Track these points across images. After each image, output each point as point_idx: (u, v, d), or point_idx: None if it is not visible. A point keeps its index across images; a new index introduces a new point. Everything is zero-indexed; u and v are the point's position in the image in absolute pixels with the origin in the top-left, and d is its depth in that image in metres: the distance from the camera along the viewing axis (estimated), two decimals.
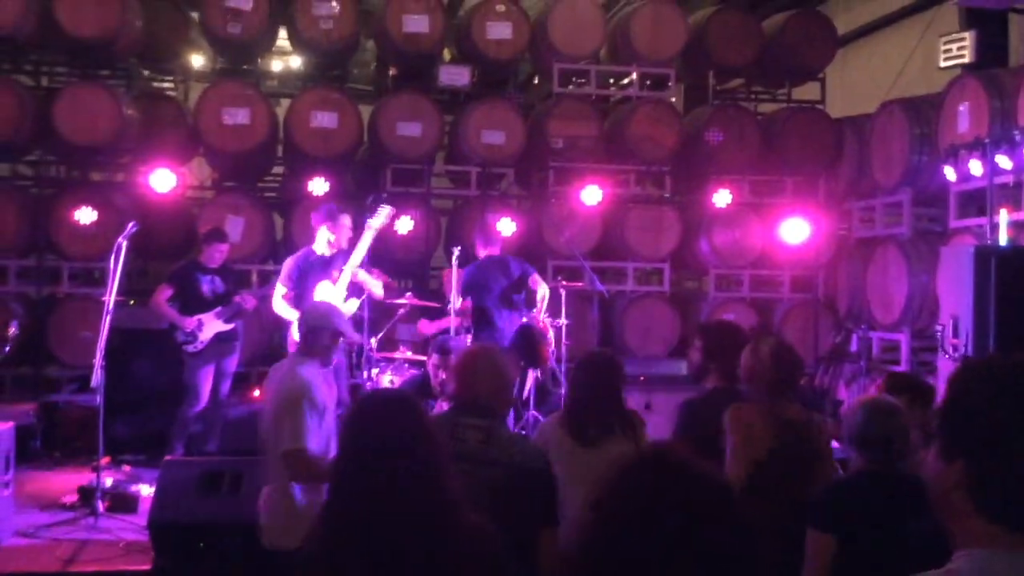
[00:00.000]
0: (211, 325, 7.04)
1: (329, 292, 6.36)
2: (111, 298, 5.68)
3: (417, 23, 8.90)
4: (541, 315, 7.35)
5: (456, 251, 6.98)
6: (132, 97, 8.79)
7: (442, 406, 4.71)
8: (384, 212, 6.33)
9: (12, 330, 4.06)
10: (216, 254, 7.23)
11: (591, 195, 8.80)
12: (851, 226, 9.97)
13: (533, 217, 9.17)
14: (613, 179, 9.30)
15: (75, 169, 8.86)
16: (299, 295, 6.39)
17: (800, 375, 3.98)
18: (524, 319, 7.21)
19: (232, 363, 7.37)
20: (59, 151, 8.64)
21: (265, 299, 7.72)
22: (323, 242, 6.51)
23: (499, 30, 9.04)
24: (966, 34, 9.74)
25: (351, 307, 6.33)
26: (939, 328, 5.71)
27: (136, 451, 7.55)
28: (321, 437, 3.84)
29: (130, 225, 5.90)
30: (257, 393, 7.97)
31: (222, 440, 7.45)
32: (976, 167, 7.20)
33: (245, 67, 9.55)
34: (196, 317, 7.00)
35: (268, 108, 8.79)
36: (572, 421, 3.71)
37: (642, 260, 9.46)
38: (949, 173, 7.19)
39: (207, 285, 7.20)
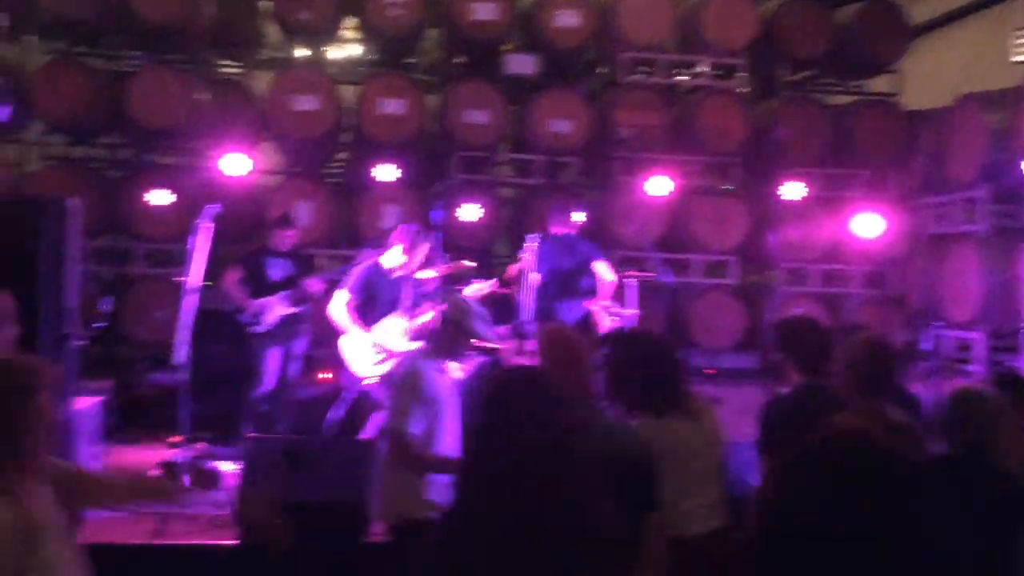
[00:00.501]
0: (276, 308, 7.08)
1: (397, 327, 6.36)
2: (193, 278, 5.72)
3: (485, 10, 8.87)
4: (600, 304, 7.28)
5: (533, 237, 6.93)
6: (203, 82, 8.86)
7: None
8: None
9: (105, 306, 4.11)
10: (285, 239, 7.28)
11: (658, 185, 8.69)
12: (924, 222, 9.75)
13: (598, 207, 9.10)
14: (679, 170, 9.17)
15: (147, 152, 8.98)
16: (362, 307, 6.34)
17: (897, 371, 3.85)
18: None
19: (300, 345, 7.40)
20: (132, 134, 8.76)
21: (333, 283, 7.78)
22: (395, 258, 6.41)
23: (567, 18, 8.98)
24: None
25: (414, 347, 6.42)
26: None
27: (206, 430, 7.63)
28: (426, 426, 3.94)
29: (212, 206, 5.94)
30: (326, 375, 8.02)
31: (292, 421, 7.50)
32: None
33: (311, 54, 9.60)
34: (261, 300, 7.04)
35: (335, 95, 8.82)
36: (662, 396, 3.57)
37: (708, 252, 9.34)
38: None
39: (275, 269, 7.24)
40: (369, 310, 6.34)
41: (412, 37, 9.21)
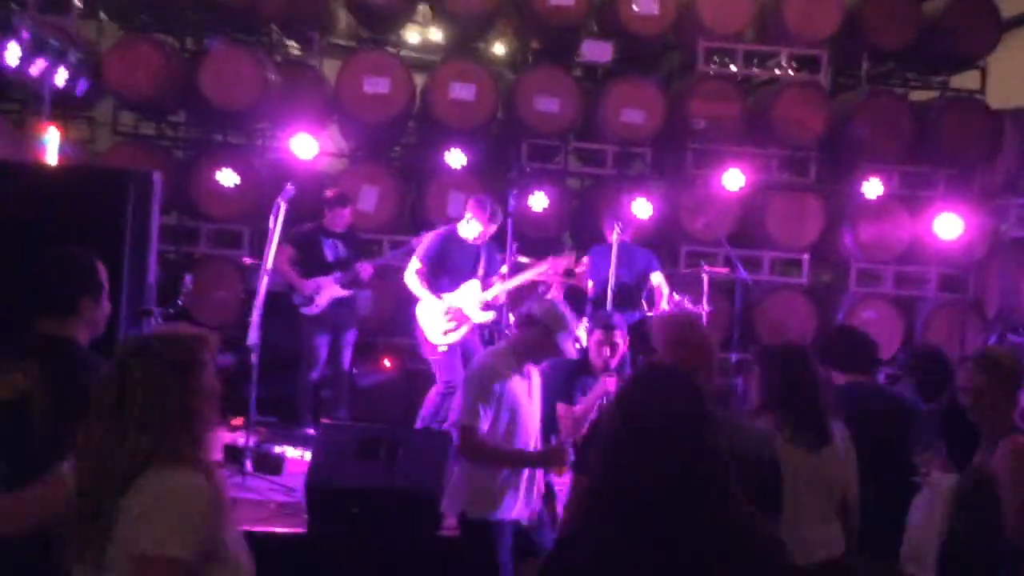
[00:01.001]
0: (329, 290, 6.98)
1: (472, 293, 6.29)
2: (269, 260, 5.64)
3: None
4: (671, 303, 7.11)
5: (617, 226, 6.79)
6: (273, 64, 8.80)
7: (607, 383, 4.52)
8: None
9: (187, 283, 4.03)
10: (340, 218, 7.17)
11: (733, 179, 8.44)
12: (1007, 224, 9.39)
13: (669, 200, 8.87)
14: (754, 163, 8.92)
15: (216, 131, 8.95)
16: (433, 273, 6.30)
17: None
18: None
19: (351, 332, 7.28)
20: (202, 113, 8.72)
21: (386, 269, 7.67)
22: (472, 229, 6.39)
23: (646, 5, 8.74)
24: None
25: (485, 317, 6.36)
26: None
27: (264, 414, 7.58)
28: (496, 425, 3.91)
29: (289, 187, 5.85)
30: (387, 363, 7.93)
31: (352, 408, 7.42)
32: None
33: (382, 37, 9.50)
34: (314, 280, 6.95)
35: (408, 78, 8.70)
36: (800, 423, 3.39)
37: (781, 249, 9.08)
38: None
39: (330, 249, 7.14)
40: (442, 277, 6.28)
41: (486, 22, 9.05)
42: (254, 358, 5.44)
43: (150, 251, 4.21)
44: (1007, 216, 9.44)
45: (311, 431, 6.78)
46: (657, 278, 7.27)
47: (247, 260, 7.87)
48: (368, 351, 8.04)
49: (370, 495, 4.49)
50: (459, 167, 8.24)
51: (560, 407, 4.55)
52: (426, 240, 6.47)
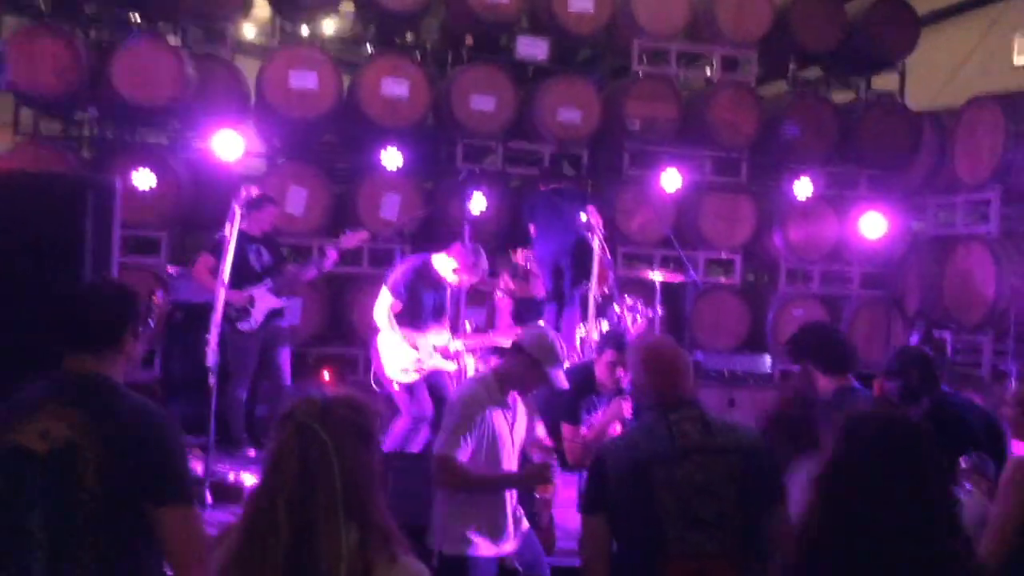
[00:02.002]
0: (263, 300, 6.52)
1: (438, 340, 5.99)
2: (226, 272, 5.22)
3: None
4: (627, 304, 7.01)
5: (598, 230, 6.69)
6: (191, 57, 8.24)
7: (623, 405, 4.33)
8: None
9: (159, 300, 3.59)
10: (263, 221, 6.62)
11: (671, 180, 8.36)
12: (926, 223, 9.68)
13: (604, 201, 8.76)
14: (688, 164, 8.90)
15: (126, 130, 8.34)
16: (409, 311, 5.92)
17: None
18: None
19: (285, 343, 6.82)
20: (114, 110, 8.10)
21: (300, 271, 7.23)
22: (448, 271, 5.97)
23: (581, 3, 8.61)
24: None
25: (447, 366, 6.10)
26: None
27: (193, 433, 7.07)
28: (475, 455, 3.73)
29: (243, 189, 5.43)
30: (326, 375, 7.54)
31: None
32: None
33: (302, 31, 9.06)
34: (246, 291, 6.44)
35: (336, 73, 8.30)
36: None
37: (714, 250, 9.11)
38: None
39: (255, 256, 6.64)
40: (412, 313, 5.91)
41: (414, 17, 8.73)
42: (212, 379, 4.99)
43: (112, 266, 3.78)
44: (926, 214, 9.74)
45: (252, 452, 6.35)
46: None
47: (172, 270, 7.34)
48: (301, 363, 7.62)
49: None
50: (395, 168, 7.92)
51: (566, 429, 4.34)
52: (398, 272, 6.03)
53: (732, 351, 8.98)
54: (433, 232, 7.96)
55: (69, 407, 2.32)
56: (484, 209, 7.86)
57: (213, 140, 7.62)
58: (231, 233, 5.20)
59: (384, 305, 5.88)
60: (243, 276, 6.36)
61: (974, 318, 8.66)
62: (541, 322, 6.32)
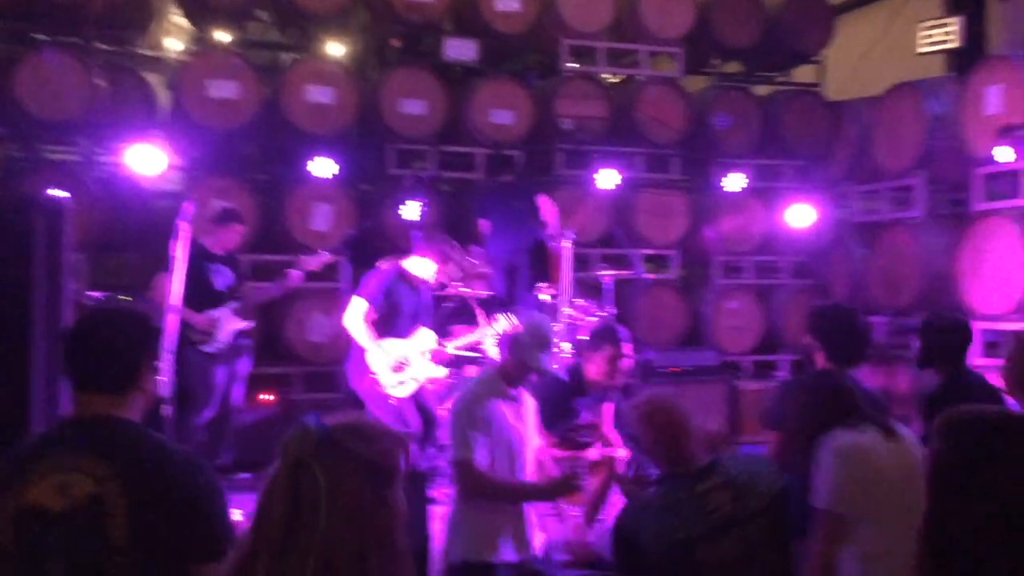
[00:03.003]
0: (228, 322, 6.21)
1: (424, 343, 5.78)
2: (175, 293, 4.85)
3: None
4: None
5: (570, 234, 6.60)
6: (102, 68, 7.75)
7: (610, 409, 4.21)
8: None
9: None
10: (226, 240, 6.37)
11: (607, 179, 8.32)
12: (850, 211, 9.88)
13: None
14: (621, 162, 8.86)
15: (34, 147, 7.78)
16: (381, 317, 5.67)
17: None
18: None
19: (246, 365, 6.56)
20: (18, 126, 7.54)
21: (262, 291, 6.91)
22: (422, 269, 5.81)
23: (508, 2, 8.47)
24: (953, 19, 9.82)
25: (439, 372, 5.99)
26: None
27: None
28: (488, 454, 3.61)
29: (190, 204, 5.07)
30: (269, 397, 7.18)
31: (237, 450, 6.64)
32: (1007, 153, 7.16)
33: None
34: (207, 313, 6.13)
35: (257, 81, 7.93)
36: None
37: (651, 247, 9.08)
38: (1006, 154, 7.08)
39: (217, 276, 6.35)
40: (390, 320, 5.66)
41: (336, 19, 8.43)
42: (168, 410, 4.62)
43: (64, 293, 3.42)
44: (849, 203, 9.94)
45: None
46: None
47: (94, 294, 6.85)
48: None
49: None
50: (327, 176, 7.62)
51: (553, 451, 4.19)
52: (373, 281, 5.78)
53: (672, 347, 8.97)
54: (371, 242, 7.66)
55: (90, 457, 2.02)
56: (421, 215, 7.66)
57: (129, 155, 7.20)
58: (180, 251, 4.84)
59: (357, 314, 5.62)
60: (205, 297, 6.03)
61: (903, 301, 8.85)
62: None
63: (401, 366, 5.62)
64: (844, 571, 2.86)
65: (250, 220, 7.84)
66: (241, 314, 6.27)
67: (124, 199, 7.58)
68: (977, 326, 7.83)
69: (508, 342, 3.81)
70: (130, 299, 6.83)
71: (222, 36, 8.39)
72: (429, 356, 5.84)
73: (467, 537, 3.64)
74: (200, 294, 6.07)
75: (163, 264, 6.31)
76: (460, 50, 8.39)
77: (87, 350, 2.17)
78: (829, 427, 2.96)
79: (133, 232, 7.92)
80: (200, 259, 6.28)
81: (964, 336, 4.01)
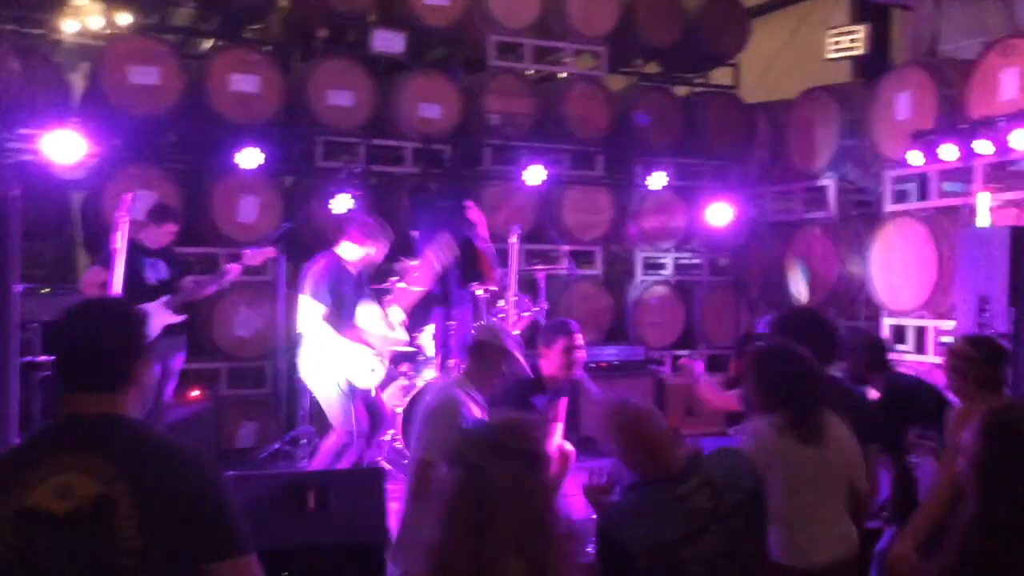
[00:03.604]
0: (160, 316, 6.03)
1: (376, 320, 5.74)
2: (117, 286, 4.68)
3: None
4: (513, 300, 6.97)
5: (516, 229, 6.77)
6: (11, 50, 7.39)
7: (564, 403, 4.28)
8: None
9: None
10: (162, 235, 6.22)
11: (534, 175, 8.40)
12: (765, 210, 10.21)
13: (470, 198, 8.63)
14: (547, 159, 8.95)
15: None
16: (337, 311, 5.59)
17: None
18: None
19: (179, 360, 6.40)
20: None
21: (199, 285, 6.75)
22: (359, 253, 5.75)
23: None
24: (859, 27, 10.26)
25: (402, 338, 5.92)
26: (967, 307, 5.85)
27: None
28: None
29: (131, 195, 4.89)
30: (196, 393, 6.99)
31: None
32: (917, 157, 7.53)
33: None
34: (141, 308, 5.93)
35: (180, 67, 7.69)
36: (799, 422, 3.31)
37: (576, 243, 9.19)
38: (915, 158, 7.43)
39: (150, 270, 6.17)
40: (340, 313, 5.59)
41: (261, 7, 8.25)
42: None
43: (13, 285, 3.25)
44: (765, 203, 10.27)
45: None
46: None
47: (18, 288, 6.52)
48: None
49: (303, 554, 3.85)
50: (253, 167, 7.46)
51: None
52: (316, 275, 5.64)
53: (599, 341, 9.10)
54: (300, 235, 7.52)
55: (92, 456, 1.94)
56: (352, 208, 7.57)
57: (44, 142, 6.91)
58: (120, 245, 4.68)
59: (315, 315, 5.51)
60: (137, 292, 5.82)
61: (817, 298, 9.20)
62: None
63: (369, 353, 5.59)
64: (770, 539, 3.07)
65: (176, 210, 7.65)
66: (172, 308, 6.09)
67: (38, 187, 7.24)
68: (886, 322, 8.29)
69: (478, 345, 3.84)
70: (49, 291, 6.55)
71: (143, 21, 8.11)
72: (385, 321, 5.81)
73: (419, 543, 3.61)
74: (132, 288, 5.88)
75: (87, 255, 6.13)
76: (388, 42, 8.31)
77: (77, 348, 2.08)
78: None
79: (48, 222, 7.60)
80: (134, 253, 6.08)
81: (882, 347, 4.23)
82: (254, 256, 6.16)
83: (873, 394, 4.35)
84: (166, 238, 6.14)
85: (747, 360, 3.64)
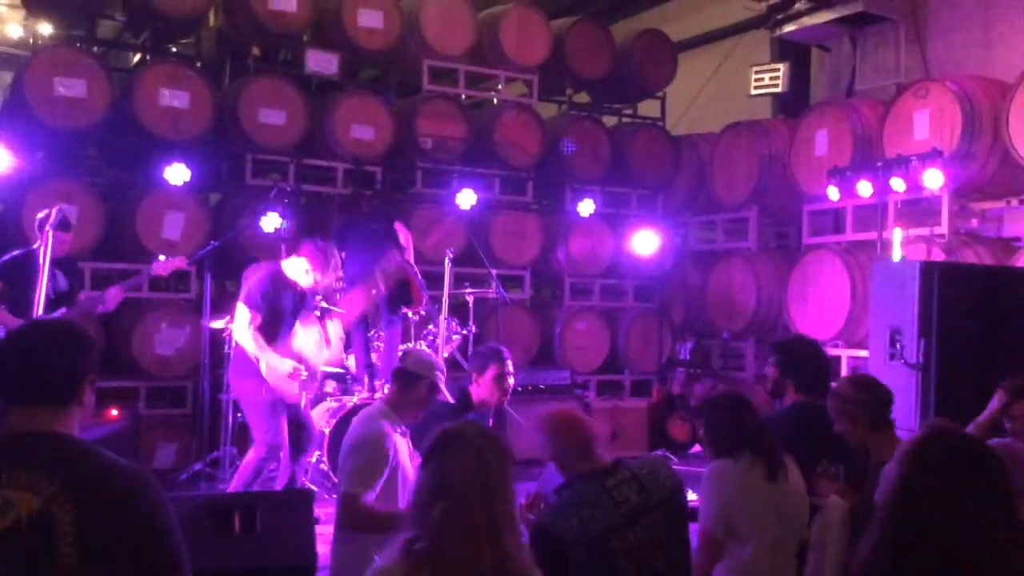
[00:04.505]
0: None
1: (311, 337, 5.70)
2: (41, 305, 4.56)
3: (284, 0, 8.13)
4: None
5: (449, 253, 6.83)
6: None
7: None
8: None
9: None
10: (60, 245, 5.99)
11: (465, 199, 8.45)
12: (688, 239, 10.45)
13: (401, 219, 8.65)
14: (479, 183, 9.04)
15: None
16: (269, 324, 5.53)
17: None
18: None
19: None
20: None
21: (95, 301, 6.58)
22: (301, 272, 5.66)
23: (370, 18, 8.50)
24: (780, 65, 10.61)
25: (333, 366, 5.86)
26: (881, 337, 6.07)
27: None
28: (386, 492, 3.59)
29: (56, 210, 4.78)
30: (114, 413, 6.82)
31: None
32: (835, 193, 7.83)
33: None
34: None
35: (108, 80, 7.56)
36: (764, 460, 3.41)
37: (505, 267, 9.27)
38: (833, 193, 7.72)
39: (49, 281, 5.94)
40: (274, 322, 5.52)
41: (192, 23, 8.18)
42: None
43: None
44: (688, 232, 10.53)
45: None
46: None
47: None
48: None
49: None
50: (180, 183, 7.36)
51: None
52: (251, 284, 5.59)
53: (525, 365, 9.17)
54: (227, 253, 7.43)
55: (33, 473, 1.92)
56: (281, 227, 7.51)
57: None
58: (44, 260, 4.56)
59: (244, 322, 5.45)
60: (30, 302, 5.62)
61: (737, 325, 9.46)
62: None
63: (297, 372, 5.52)
64: None
65: (96, 226, 7.51)
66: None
67: None
68: None
69: (399, 374, 3.85)
70: None
71: (68, 32, 7.96)
72: (320, 341, 5.78)
73: (347, 571, 3.57)
74: (21, 299, 5.66)
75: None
76: (321, 63, 8.32)
77: (24, 363, 2.07)
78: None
79: None
80: (27, 263, 5.84)
81: (826, 361, 4.34)
82: (161, 265, 6.00)
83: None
84: (62, 248, 5.93)
85: (703, 407, 3.75)
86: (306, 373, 5.53)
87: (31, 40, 7.98)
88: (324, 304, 6.18)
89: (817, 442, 3.81)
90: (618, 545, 2.87)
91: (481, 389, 4.44)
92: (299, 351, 5.66)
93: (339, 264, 5.92)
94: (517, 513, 2.27)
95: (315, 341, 5.80)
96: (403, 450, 3.72)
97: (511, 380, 4.51)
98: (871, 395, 3.66)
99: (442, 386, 3.92)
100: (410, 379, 3.83)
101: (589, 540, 2.84)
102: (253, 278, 5.66)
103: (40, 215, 5.16)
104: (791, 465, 3.50)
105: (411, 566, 2.14)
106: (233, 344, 5.97)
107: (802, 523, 3.50)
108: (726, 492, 3.38)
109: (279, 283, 5.59)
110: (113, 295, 5.90)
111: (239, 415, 6.50)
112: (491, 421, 4.66)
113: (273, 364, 5.46)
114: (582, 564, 2.82)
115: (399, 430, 3.76)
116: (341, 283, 6.53)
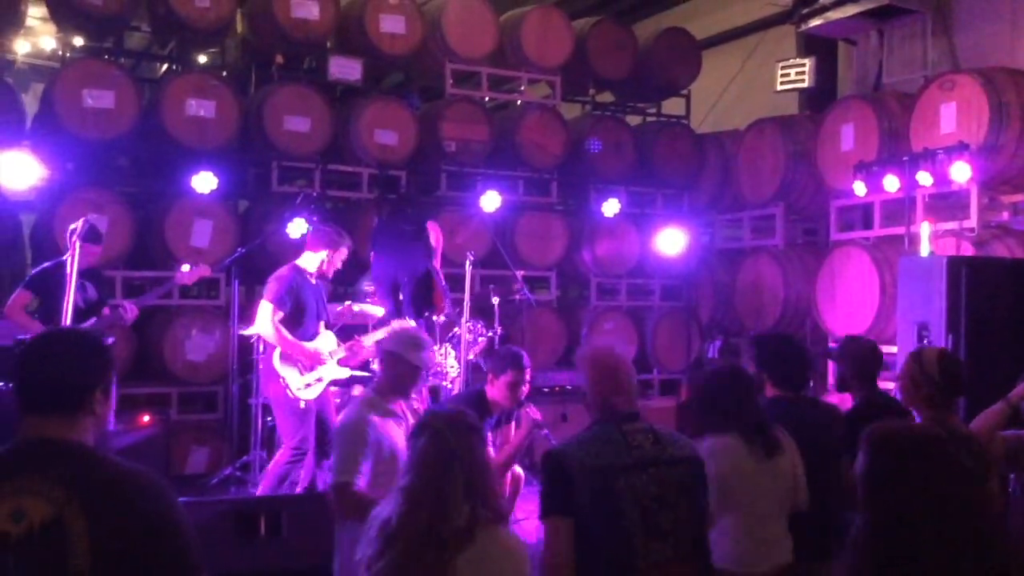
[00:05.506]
0: None
1: (328, 344, 5.83)
2: (68, 314, 4.65)
3: (306, 8, 8.21)
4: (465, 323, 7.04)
5: (470, 256, 6.83)
6: None
7: (532, 413, 4.34)
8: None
9: None
10: (88, 256, 6.11)
11: (490, 201, 8.47)
12: (715, 237, 10.40)
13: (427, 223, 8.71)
14: (502, 185, 9.06)
15: None
16: (294, 318, 5.64)
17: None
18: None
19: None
20: None
21: (117, 314, 6.69)
22: (317, 262, 5.85)
23: (392, 23, 8.55)
24: (806, 60, 10.53)
25: (342, 373, 5.95)
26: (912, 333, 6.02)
27: None
28: (372, 475, 3.58)
29: (83, 221, 4.87)
30: (146, 418, 6.92)
31: None
32: (861, 188, 7.75)
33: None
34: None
35: (136, 91, 7.68)
36: (759, 436, 3.44)
37: (530, 269, 9.29)
38: (859, 188, 7.65)
39: (77, 292, 6.07)
40: (297, 320, 5.63)
41: (217, 33, 8.28)
42: None
43: None
44: (714, 230, 10.48)
45: None
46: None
47: None
48: (117, 404, 6.97)
49: None
50: (207, 191, 7.44)
51: None
52: (276, 282, 5.71)
53: (551, 366, 9.19)
54: (255, 260, 7.52)
55: (46, 480, 1.95)
56: (306, 233, 7.57)
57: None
58: (72, 271, 4.66)
59: (267, 318, 5.55)
60: (60, 312, 5.72)
61: (766, 323, 9.39)
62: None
63: (312, 366, 5.61)
64: (719, 548, 3.19)
65: (126, 234, 7.63)
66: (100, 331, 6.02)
67: None
68: (833, 347, 8.47)
69: (381, 355, 3.84)
70: None
71: (97, 44, 8.09)
72: (334, 355, 5.85)
73: (348, 564, 3.49)
74: (53, 310, 5.77)
75: (29, 279, 6.04)
76: (345, 69, 8.38)
77: (35, 372, 2.10)
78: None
79: None
80: (59, 274, 5.97)
81: (872, 360, 4.31)
82: (187, 275, 6.11)
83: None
84: (89, 259, 6.03)
85: (698, 383, 3.77)
86: (319, 374, 5.62)
87: (61, 52, 8.08)
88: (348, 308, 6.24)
89: (805, 428, 3.78)
90: (624, 486, 2.84)
91: (495, 391, 4.46)
92: (318, 351, 5.75)
93: (347, 239, 6.01)
94: (486, 473, 2.57)
95: (332, 343, 5.86)
96: (395, 434, 3.69)
97: (525, 389, 4.51)
98: (944, 375, 3.62)
99: (423, 357, 3.82)
100: (389, 359, 3.80)
101: (593, 470, 2.82)
102: (276, 276, 5.77)
103: (72, 226, 5.26)
104: (786, 439, 3.53)
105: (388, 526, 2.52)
106: (261, 350, 6.04)
107: (794, 492, 3.55)
108: (723, 468, 3.37)
109: (300, 279, 5.72)
110: (129, 309, 6.02)
111: (269, 419, 6.58)
112: (511, 423, 4.67)
113: (295, 351, 5.55)
114: (585, 493, 2.80)
115: (389, 412, 3.73)
116: (370, 285, 6.58)
